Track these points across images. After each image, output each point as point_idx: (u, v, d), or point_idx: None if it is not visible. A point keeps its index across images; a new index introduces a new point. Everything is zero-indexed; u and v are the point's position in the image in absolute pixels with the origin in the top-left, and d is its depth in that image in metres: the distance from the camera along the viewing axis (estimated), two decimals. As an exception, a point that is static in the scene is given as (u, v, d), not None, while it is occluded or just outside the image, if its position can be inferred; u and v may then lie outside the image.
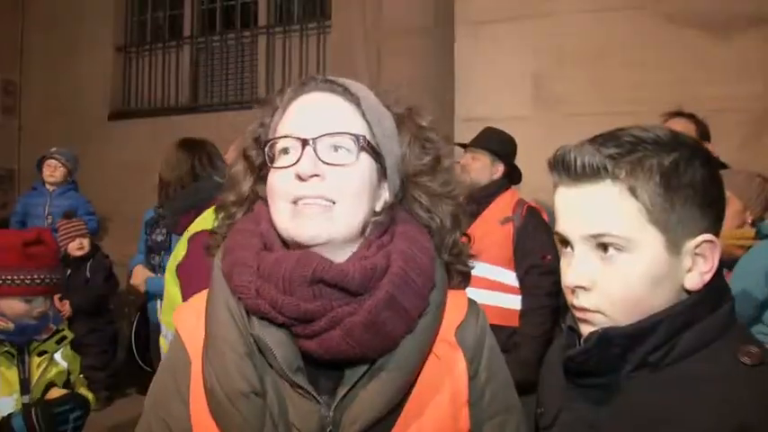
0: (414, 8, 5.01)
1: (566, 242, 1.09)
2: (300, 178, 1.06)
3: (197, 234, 2.32)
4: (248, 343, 1.06)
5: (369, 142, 1.10)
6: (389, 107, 1.18)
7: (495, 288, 3.37)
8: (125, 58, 6.83)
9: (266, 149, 1.12)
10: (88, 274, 4.75)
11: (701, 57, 3.84)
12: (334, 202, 1.06)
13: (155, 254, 4.05)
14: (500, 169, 3.60)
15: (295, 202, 1.06)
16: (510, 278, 3.45)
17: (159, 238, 4.02)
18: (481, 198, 3.47)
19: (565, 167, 1.06)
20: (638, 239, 1.01)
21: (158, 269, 3.99)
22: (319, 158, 1.06)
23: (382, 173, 1.14)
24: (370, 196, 1.11)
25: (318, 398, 1.05)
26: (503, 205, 3.51)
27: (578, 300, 1.06)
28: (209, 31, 6.58)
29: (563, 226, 1.08)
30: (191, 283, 2.26)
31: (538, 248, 3.43)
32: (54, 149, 5.23)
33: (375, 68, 4.96)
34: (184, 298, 2.39)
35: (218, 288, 1.11)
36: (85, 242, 4.74)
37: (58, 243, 2.69)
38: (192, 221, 2.39)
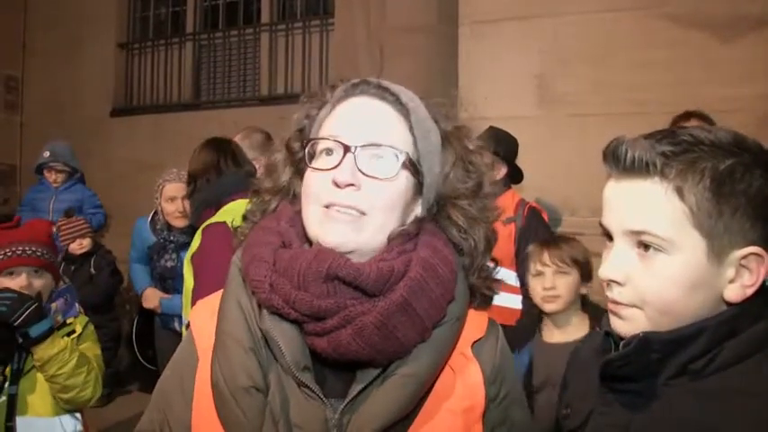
0: (417, 6, 4.99)
1: (608, 235, 1.07)
2: (336, 185, 1.05)
3: (210, 225, 2.57)
4: (255, 338, 1.05)
5: (411, 159, 1.09)
6: (437, 121, 1.16)
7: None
8: (127, 55, 6.82)
9: (307, 147, 1.11)
10: (92, 270, 4.74)
11: (706, 58, 3.83)
12: (364, 213, 1.05)
13: (167, 279, 3.96)
14: (502, 170, 3.61)
15: (327, 207, 1.06)
16: (511, 278, 3.47)
17: (169, 264, 3.95)
18: None
19: (615, 159, 1.03)
20: (679, 242, 0.98)
21: (172, 292, 3.89)
22: (358, 168, 1.05)
23: (419, 189, 1.12)
24: (403, 212, 1.10)
25: (324, 399, 1.03)
26: (504, 205, 3.50)
27: (611, 293, 1.05)
28: (211, 28, 6.57)
29: (606, 218, 1.07)
30: (205, 267, 2.44)
31: (539, 249, 3.45)
32: (47, 155, 5.23)
33: (378, 67, 4.95)
34: (197, 282, 2.50)
35: (232, 285, 1.12)
36: (85, 242, 4.70)
37: (51, 230, 2.62)
38: (211, 216, 2.59)
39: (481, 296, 1.19)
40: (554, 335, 2.65)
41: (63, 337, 2.41)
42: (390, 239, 1.09)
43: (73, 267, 4.64)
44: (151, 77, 6.72)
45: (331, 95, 1.15)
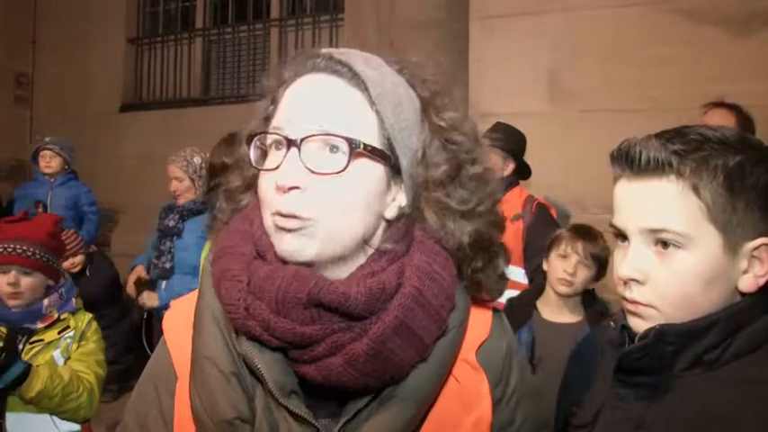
0: (427, 1, 4.98)
1: (621, 235, 1.08)
2: (279, 189, 0.91)
3: None
4: (237, 361, 0.94)
5: (367, 146, 0.91)
6: (414, 86, 1.00)
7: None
8: (137, 50, 6.84)
9: (254, 143, 0.97)
10: (88, 273, 4.71)
11: (719, 54, 3.79)
12: (314, 223, 0.90)
13: (165, 239, 4.08)
14: (510, 166, 3.60)
15: (274, 215, 0.93)
16: (520, 275, 3.45)
17: (170, 224, 4.07)
18: None
19: (628, 160, 1.05)
20: (696, 238, 1.00)
21: (167, 254, 4.04)
22: (304, 165, 0.90)
23: (395, 173, 0.96)
24: (370, 206, 0.93)
25: (316, 423, 0.92)
26: (512, 202, 3.51)
27: (630, 293, 1.06)
28: (221, 24, 6.57)
29: (621, 218, 1.08)
30: None
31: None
32: (47, 139, 5.11)
33: (387, 62, 4.94)
34: None
35: (206, 295, 0.99)
36: (78, 260, 4.67)
37: (56, 228, 2.57)
38: None
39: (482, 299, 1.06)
40: (554, 315, 2.79)
41: (58, 332, 2.39)
42: (371, 241, 0.96)
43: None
44: (160, 73, 6.73)
45: (284, 77, 0.99)
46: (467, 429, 0.99)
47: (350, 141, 0.90)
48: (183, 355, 0.99)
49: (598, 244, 2.80)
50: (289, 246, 0.91)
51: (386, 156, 0.94)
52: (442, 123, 0.98)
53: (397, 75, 0.99)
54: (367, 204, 0.93)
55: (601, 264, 2.78)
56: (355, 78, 0.94)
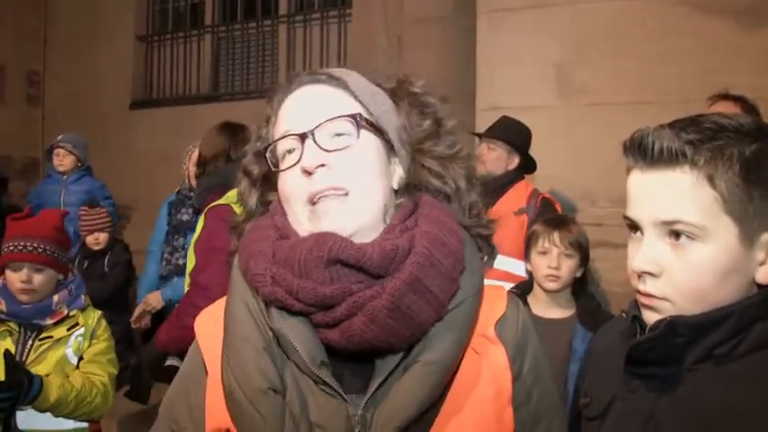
0: (435, -3, 4.98)
1: (634, 227, 1.07)
2: (307, 172, 1.03)
3: (213, 207, 2.52)
4: (267, 337, 1.01)
5: (366, 119, 1.07)
6: (380, 84, 1.15)
7: (509, 279, 3.34)
8: (147, 48, 6.87)
9: (268, 156, 1.09)
10: (106, 268, 4.69)
11: (728, 46, 3.77)
12: (347, 192, 1.02)
13: (178, 234, 4.04)
14: (515, 160, 3.60)
15: (310, 202, 1.03)
16: (520, 268, 3.44)
17: (185, 218, 4.00)
18: (495, 188, 3.45)
19: (641, 151, 1.03)
20: (712, 229, 0.99)
21: (181, 250, 3.98)
22: (321, 148, 1.03)
23: (389, 148, 1.10)
24: (383, 173, 1.08)
25: (344, 395, 0.98)
26: (517, 196, 3.51)
27: (644, 285, 1.05)
28: (230, 20, 6.60)
29: (634, 210, 1.06)
30: (209, 257, 2.36)
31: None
32: (60, 137, 5.16)
33: (396, 57, 4.94)
34: (197, 266, 2.47)
35: (236, 288, 1.08)
36: (102, 237, 4.61)
37: (62, 223, 2.60)
38: (216, 200, 2.56)
39: (482, 241, 1.15)
40: (545, 311, 2.75)
41: (67, 329, 2.42)
42: (387, 217, 1.07)
43: (86, 263, 4.53)
44: (170, 70, 6.76)
45: (272, 107, 1.14)
46: (488, 401, 1.03)
47: (353, 116, 1.06)
48: (214, 350, 1.07)
49: (574, 231, 2.77)
50: (329, 225, 1.01)
51: (380, 130, 1.09)
52: (416, 90, 1.15)
53: (363, 77, 1.15)
54: (380, 172, 1.07)
55: (582, 250, 2.75)
56: (336, 82, 1.10)
